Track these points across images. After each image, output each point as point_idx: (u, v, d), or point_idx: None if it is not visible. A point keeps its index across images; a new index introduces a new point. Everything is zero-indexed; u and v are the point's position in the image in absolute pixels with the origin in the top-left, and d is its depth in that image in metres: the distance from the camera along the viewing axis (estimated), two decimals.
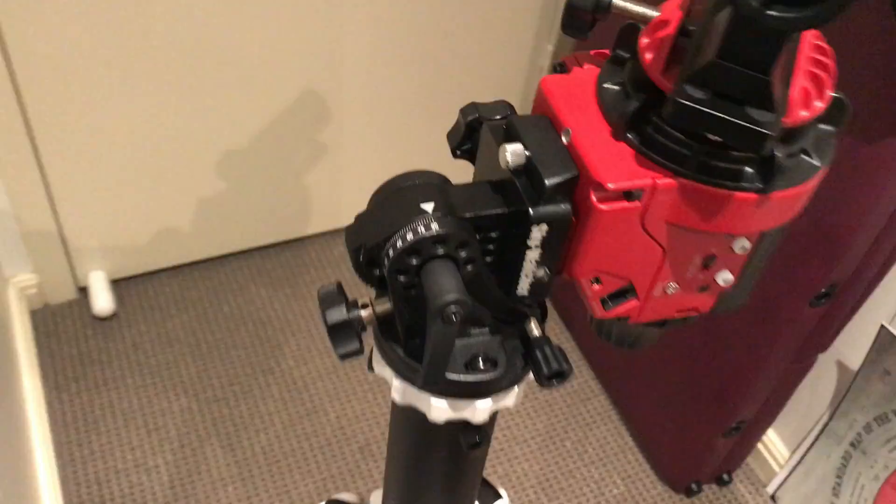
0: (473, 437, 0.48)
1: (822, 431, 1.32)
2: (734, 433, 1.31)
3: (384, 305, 0.46)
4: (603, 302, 0.44)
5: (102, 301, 1.52)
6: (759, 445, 1.44)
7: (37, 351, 1.47)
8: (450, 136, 0.49)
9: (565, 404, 1.53)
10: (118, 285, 1.59)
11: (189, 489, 1.34)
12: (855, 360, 1.23)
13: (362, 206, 0.45)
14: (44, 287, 1.52)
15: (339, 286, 0.46)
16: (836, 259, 1.02)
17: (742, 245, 0.42)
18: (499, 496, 0.73)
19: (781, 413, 1.37)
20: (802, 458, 1.36)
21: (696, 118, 0.35)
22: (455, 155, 0.48)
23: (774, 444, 1.42)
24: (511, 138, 0.41)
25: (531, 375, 0.48)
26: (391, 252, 0.40)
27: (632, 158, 0.39)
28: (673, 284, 0.44)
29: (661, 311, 0.45)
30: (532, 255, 0.41)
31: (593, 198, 0.39)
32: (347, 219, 0.43)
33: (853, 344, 1.23)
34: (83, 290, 1.57)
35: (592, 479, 1.43)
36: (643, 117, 0.39)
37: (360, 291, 0.47)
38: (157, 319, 1.56)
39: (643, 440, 1.48)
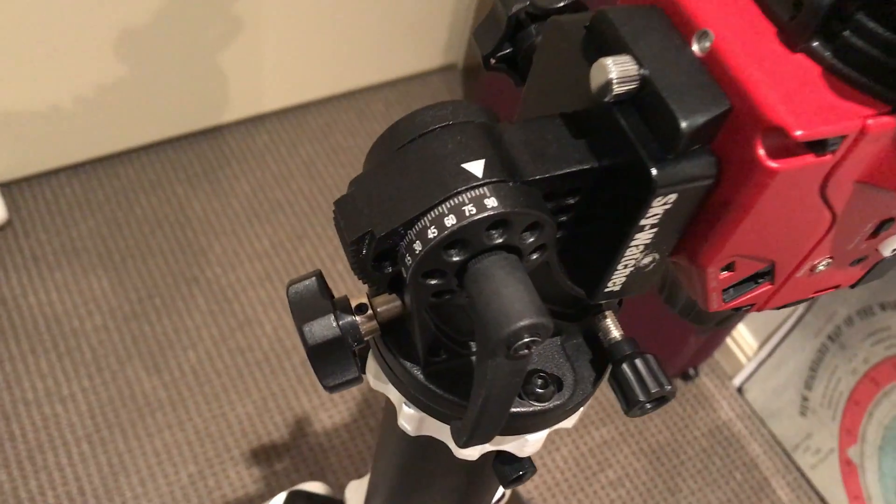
0: (516, 471, 0.35)
1: (796, 324, 1.25)
2: (712, 329, 1.22)
3: (391, 305, 0.31)
4: (724, 292, 0.30)
5: None
6: (727, 338, 1.36)
7: None
8: (480, 33, 0.33)
9: None
10: (10, 189, 1.37)
11: (112, 418, 1.20)
12: None
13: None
14: None
15: (319, 279, 0.31)
16: None
17: None
18: None
19: None
20: (773, 350, 1.30)
21: None
22: (488, 65, 0.33)
23: (742, 336, 1.35)
24: (610, 46, 0.26)
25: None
26: (418, 245, 0.26)
27: (822, 84, 0.24)
28: (827, 260, 0.30)
29: (797, 294, 0.32)
30: (643, 238, 0.27)
31: (760, 151, 0.24)
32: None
33: None
34: None
35: None
36: (842, 13, 0.24)
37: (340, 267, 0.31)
38: (58, 227, 1.36)
39: None
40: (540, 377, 0.32)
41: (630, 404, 0.31)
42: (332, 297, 0.30)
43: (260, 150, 1.50)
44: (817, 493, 1.29)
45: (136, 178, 1.43)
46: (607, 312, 0.33)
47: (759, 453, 1.32)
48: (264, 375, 1.27)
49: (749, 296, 0.30)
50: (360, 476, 0.80)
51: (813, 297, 0.33)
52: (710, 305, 0.30)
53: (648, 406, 0.31)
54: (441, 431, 0.33)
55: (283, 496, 0.59)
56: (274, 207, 1.44)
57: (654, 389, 0.31)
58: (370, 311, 0.30)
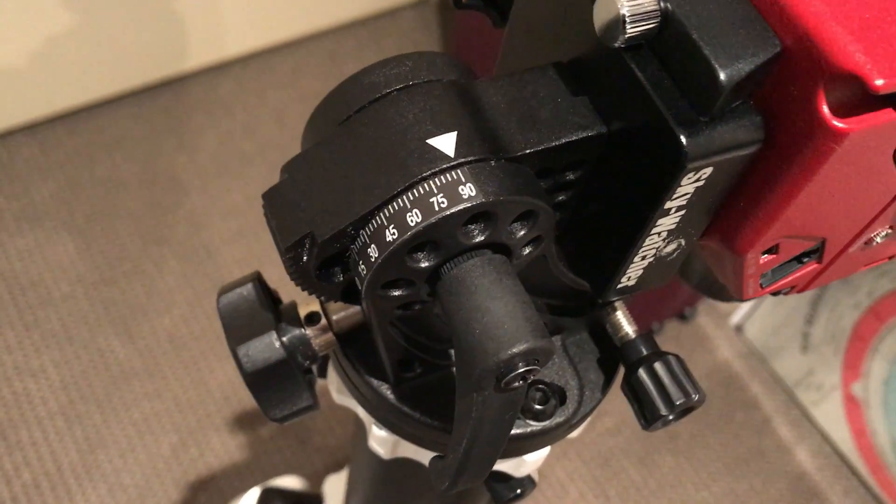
0: (513, 490, 0.29)
1: None
2: None
3: (350, 312, 0.24)
4: (762, 276, 0.24)
5: None
6: None
7: None
8: None
9: None
10: None
11: (86, 390, 1.15)
12: None
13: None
14: None
15: (257, 285, 0.24)
16: None
17: None
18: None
19: None
20: None
21: None
22: (458, 1, 0.26)
23: None
24: None
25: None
26: (373, 251, 0.19)
27: None
28: (887, 231, 0.24)
29: (845, 271, 0.26)
30: (666, 223, 0.21)
31: (823, 107, 0.18)
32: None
33: None
34: None
35: None
36: None
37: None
38: (17, 191, 1.28)
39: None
40: (539, 390, 0.26)
41: (650, 419, 0.26)
42: (276, 303, 0.24)
43: (225, 100, 1.42)
44: (819, 431, 1.26)
45: (97, 136, 1.35)
46: (618, 304, 0.27)
47: (760, 392, 1.29)
48: None
49: (791, 278, 0.25)
50: (339, 465, 0.76)
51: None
52: (745, 293, 0.24)
53: (671, 419, 0.26)
54: (420, 452, 0.28)
55: (256, 492, 0.54)
56: (243, 160, 1.37)
57: (679, 401, 0.25)
58: (324, 321, 0.24)
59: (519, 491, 0.29)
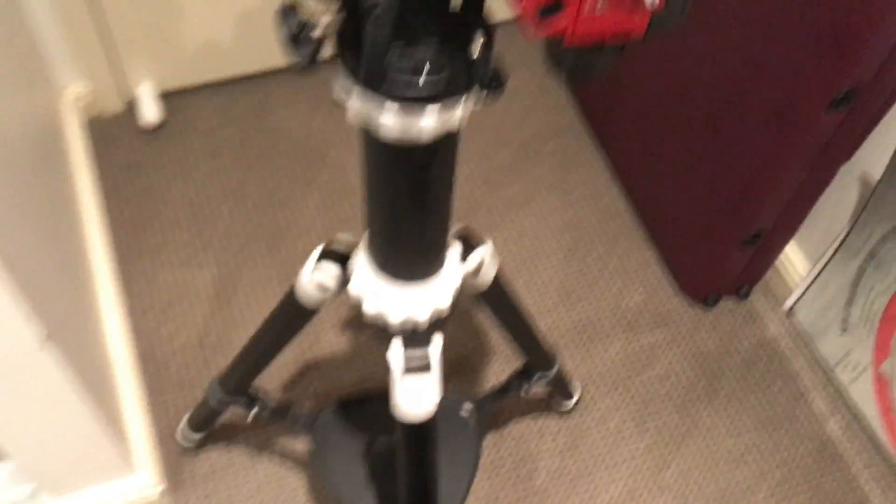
0: (425, 158, 0.53)
1: (840, 246, 1.35)
2: (752, 244, 1.34)
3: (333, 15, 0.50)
4: (536, 25, 0.47)
5: (150, 113, 1.59)
6: (779, 263, 1.47)
7: (90, 160, 1.56)
8: None
9: (592, 222, 1.57)
10: (165, 99, 1.65)
11: (231, 287, 1.45)
12: (880, 173, 1.24)
13: None
14: (95, 99, 1.60)
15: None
16: (852, 61, 1.02)
17: None
18: (482, 244, 0.77)
19: (803, 228, 1.40)
20: (819, 273, 1.40)
21: None
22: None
23: (793, 262, 1.45)
24: None
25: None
26: None
27: None
28: (602, 2, 0.47)
29: (595, 32, 0.48)
30: None
31: None
32: None
33: (880, 156, 1.24)
34: (132, 104, 1.64)
35: (613, 290, 1.50)
36: None
37: None
38: (202, 132, 1.63)
39: (665, 253, 1.52)
40: (429, 65, 0.50)
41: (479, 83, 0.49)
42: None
43: None
44: (851, 408, 1.39)
45: (269, 96, 1.69)
46: (478, 31, 0.51)
47: (801, 368, 1.43)
48: None
49: (554, 25, 0.47)
50: None
51: (618, 46, 0.50)
52: (529, 32, 0.48)
53: (493, 87, 0.49)
54: (371, 113, 0.52)
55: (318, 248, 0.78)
56: None
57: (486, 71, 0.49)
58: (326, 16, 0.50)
59: (427, 160, 0.53)
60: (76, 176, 1.49)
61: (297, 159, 1.61)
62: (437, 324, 0.69)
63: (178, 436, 1.27)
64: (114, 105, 1.62)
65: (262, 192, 1.56)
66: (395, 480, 1.00)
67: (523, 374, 1.09)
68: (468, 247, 0.77)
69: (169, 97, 1.66)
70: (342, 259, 0.76)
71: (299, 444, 1.29)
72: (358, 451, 1.02)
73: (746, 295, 1.49)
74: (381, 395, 1.07)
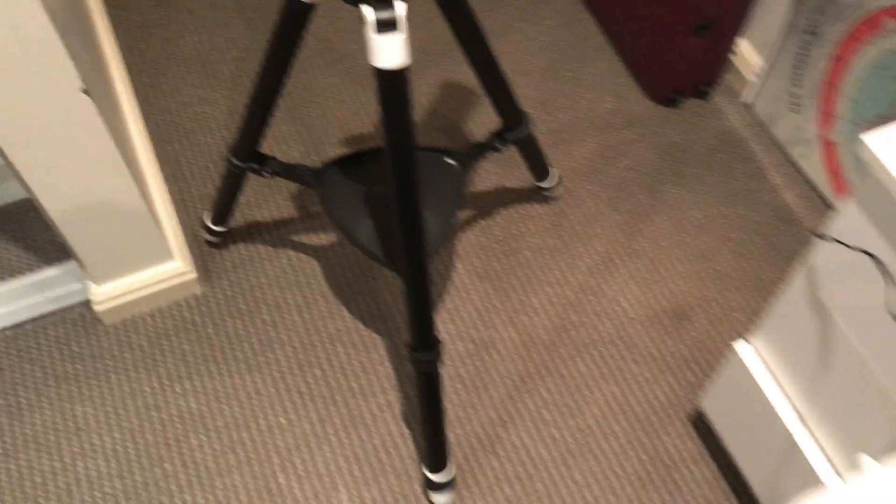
0: None
1: (783, 29, 1.49)
2: (704, 32, 1.49)
3: None
4: None
5: None
6: (735, 62, 1.62)
7: (107, 19, 1.73)
8: None
9: (566, 44, 1.72)
10: None
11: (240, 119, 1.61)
12: None
13: None
14: None
15: None
16: None
17: None
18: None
19: (752, 26, 1.54)
20: (770, 61, 1.54)
21: None
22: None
23: (747, 60, 1.60)
24: None
25: None
26: None
27: None
28: None
29: None
30: None
31: None
32: None
33: None
34: None
35: (587, 99, 1.65)
36: None
37: None
38: None
39: (631, 62, 1.67)
40: None
41: None
42: None
43: None
44: (805, 178, 1.54)
45: None
46: None
47: (759, 151, 1.58)
48: (358, 89, 1.65)
49: None
50: None
51: None
52: None
53: None
54: None
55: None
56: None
57: None
58: None
59: None
60: (98, 31, 1.65)
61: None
62: None
63: (204, 232, 1.44)
64: None
65: (262, 39, 1.72)
66: (388, 211, 1.17)
67: (499, 133, 1.25)
68: None
69: None
70: None
71: (314, 238, 1.46)
72: (357, 194, 1.19)
73: (707, 94, 1.64)
74: (375, 152, 1.24)
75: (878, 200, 0.77)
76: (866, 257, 0.80)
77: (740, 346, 1.06)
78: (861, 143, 0.76)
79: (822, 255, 0.87)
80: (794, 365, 0.98)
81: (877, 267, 0.79)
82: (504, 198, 1.52)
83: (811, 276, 0.90)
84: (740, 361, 1.06)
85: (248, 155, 1.21)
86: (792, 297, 0.94)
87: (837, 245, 0.84)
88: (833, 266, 0.86)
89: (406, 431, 1.30)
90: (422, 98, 1.64)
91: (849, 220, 0.82)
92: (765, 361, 1.03)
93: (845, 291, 0.85)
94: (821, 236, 0.85)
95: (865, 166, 0.77)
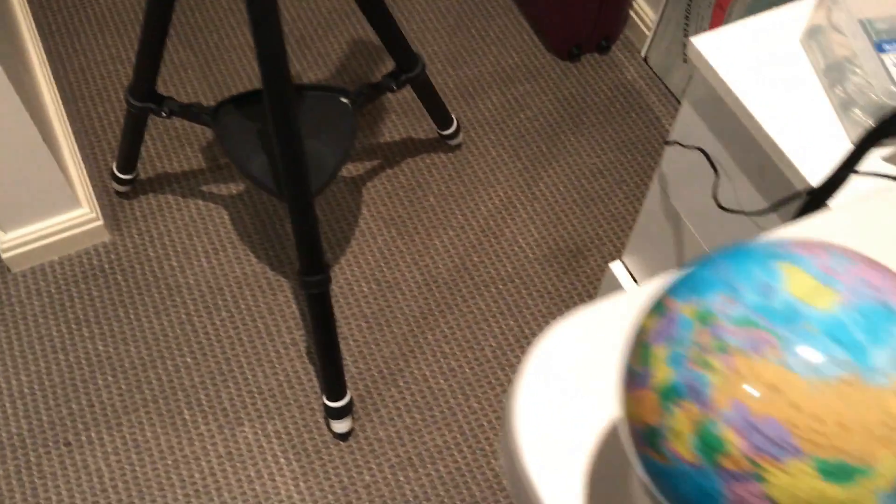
0: None
1: None
2: None
3: None
4: None
5: None
6: (634, 17, 1.69)
7: None
8: None
9: (472, 4, 1.78)
10: None
11: (159, 79, 1.64)
12: None
13: None
14: None
15: None
16: None
17: None
18: None
19: None
20: (661, 15, 1.61)
21: None
22: None
23: (645, 14, 1.67)
24: None
25: None
26: None
27: None
28: None
29: None
30: None
31: None
32: None
33: None
34: None
35: (492, 54, 1.71)
36: None
37: None
38: None
39: (534, 19, 1.73)
40: None
41: None
42: None
43: None
44: None
45: None
46: None
47: (655, 101, 1.65)
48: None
49: None
50: None
51: None
52: None
53: None
54: None
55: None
56: None
57: None
58: None
59: None
60: None
61: None
62: None
63: (112, 181, 1.47)
64: None
65: (177, 7, 1.75)
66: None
67: (392, 74, 1.30)
68: None
69: None
70: None
71: (223, 188, 1.50)
72: (252, 130, 1.23)
73: (607, 49, 1.70)
74: None
75: (705, 99, 0.83)
76: (702, 155, 0.86)
77: (614, 265, 1.12)
78: (689, 44, 0.82)
79: (668, 160, 0.93)
80: (656, 273, 1.04)
81: (708, 161, 0.85)
82: (410, 148, 1.57)
83: (663, 183, 0.96)
84: (614, 278, 1.12)
85: (145, 94, 1.24)
86: (650, 209, 1.01)
87: (680, 148, 0.90)
88: (679, 171, 0.92)
89: (310, 367, 1.34)
90: (332, 55, 1.68)
91: (684, 121, 0.88)
92: (632, 276, 1.10)
93: (690, 192, 0.91)
94: (667, 142, 0.92)
95: (694, 67, 0.83)
